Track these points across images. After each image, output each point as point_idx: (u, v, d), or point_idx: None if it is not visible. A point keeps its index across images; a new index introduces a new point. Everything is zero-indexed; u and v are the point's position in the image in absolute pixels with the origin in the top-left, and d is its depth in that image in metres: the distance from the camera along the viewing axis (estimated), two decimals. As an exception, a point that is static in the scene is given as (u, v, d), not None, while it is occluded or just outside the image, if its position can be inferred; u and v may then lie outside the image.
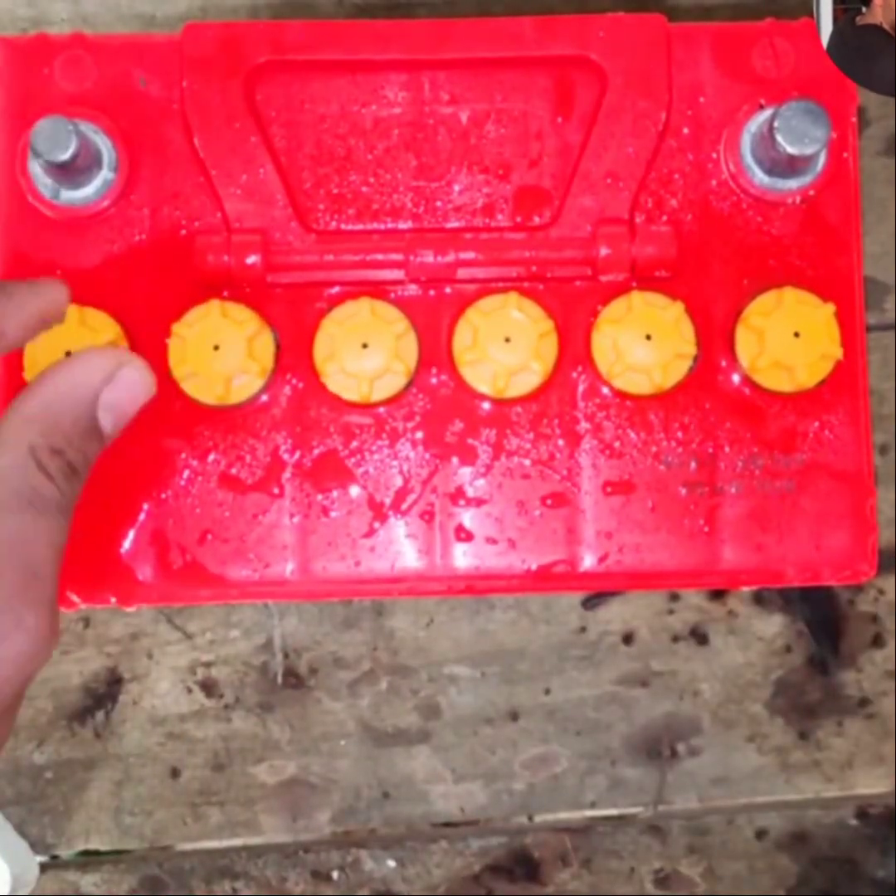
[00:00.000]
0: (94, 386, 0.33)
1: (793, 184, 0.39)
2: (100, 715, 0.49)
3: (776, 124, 0.37)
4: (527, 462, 0.39)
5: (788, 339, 0.38)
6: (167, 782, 0.49)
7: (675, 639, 0.50)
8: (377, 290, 0.39)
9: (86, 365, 0.33)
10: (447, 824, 0.50)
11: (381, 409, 0.39)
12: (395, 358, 0.38)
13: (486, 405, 0.39)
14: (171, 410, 0.39)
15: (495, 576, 0.39)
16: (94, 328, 0.38)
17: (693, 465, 0.39)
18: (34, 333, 0.34)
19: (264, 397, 0.39)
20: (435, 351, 0.39)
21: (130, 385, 0.33)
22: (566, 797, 0.50)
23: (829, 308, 0.38)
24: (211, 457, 0.39)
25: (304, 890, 0.50)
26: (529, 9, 0.40)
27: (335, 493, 0.39)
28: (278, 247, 0.39)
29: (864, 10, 0.39)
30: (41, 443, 0.31)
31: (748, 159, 0.39)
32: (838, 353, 0.38)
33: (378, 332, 0.38)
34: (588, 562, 0.39)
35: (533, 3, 0.47)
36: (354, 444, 0.39)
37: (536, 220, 0.39)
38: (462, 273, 0.39)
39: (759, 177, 0.39)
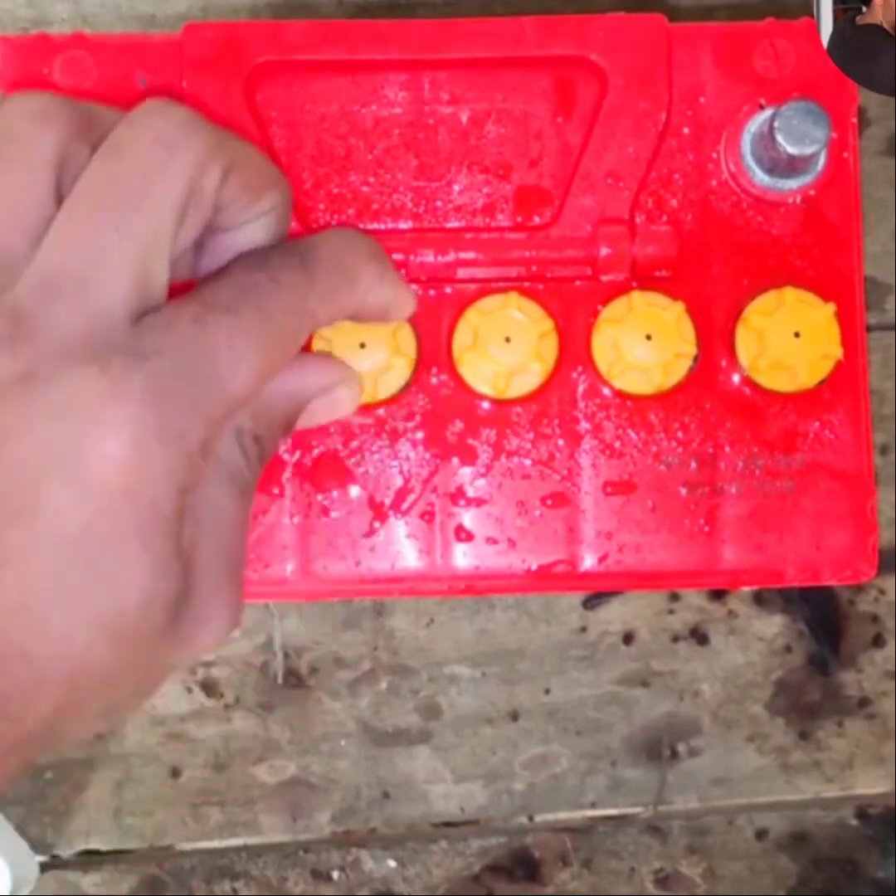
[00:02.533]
0: (313, 393, 0.34)
1: (793, 184, 0.39)
2: (100, 715, 0.49)
3: (776, 124, 0.37)
4: (527, 462, 0.39)
5: (789, 339, 0.38)
6: (167, 782, 0.49)
7: (676, 639, 0.50)
8: (377, 290, 0.39)
9: (317, 372, 0.34)
10: (447, 824, 0.50)
11: (381, 410, 0.39)
12: (395, 357, 0.38)
13: (486, 405, 0.39)
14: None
15: (495, 576, 0.39)
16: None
17: (693, 465, 0.39)
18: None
19: (264, 397, 0.39)
20: (435, 351, 0.39)
21: (339, 404, 0.34)
22: (566, 797, 0.50)
23: (830, 308, 0.38)
24: (211, 457, 0.39)
25: (305, 890, 0.50)
26: (530, 9, 0.40)
27: (335, 493, 0.39)
28: (278, 247, 0.39)
29: (864, 10, 0.39)
30: (248, 427, 0.31)
31: (748, 159, 0.39)
32: (839, 352, 0.38)
33: (377, 331, 0.38)
34: (588, 562, 0.39)
35: (533, 3, 0.47)
36: (354, 444, 0.39)
37: (536, 219, 0.39)
38: (462, 273, 0.39)
39: (760, 177, 0.39)
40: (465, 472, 0.39)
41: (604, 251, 0.38)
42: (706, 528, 0.39)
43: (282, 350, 0.30)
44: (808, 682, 0.50)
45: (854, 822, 0.51)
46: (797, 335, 0.38)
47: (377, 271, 0.34)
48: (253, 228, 0.31)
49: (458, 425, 0.39)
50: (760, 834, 0.51)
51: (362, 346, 0.38)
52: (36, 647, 0.27)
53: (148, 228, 0.28)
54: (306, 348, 0.36)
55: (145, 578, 0.28)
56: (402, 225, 0.39)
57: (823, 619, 0.50)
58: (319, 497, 0.39)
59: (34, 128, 0.29)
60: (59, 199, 0.29)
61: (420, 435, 0.39)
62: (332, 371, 0.35)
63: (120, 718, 0.31)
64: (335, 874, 0.50)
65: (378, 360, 0.38)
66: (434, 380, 0.39)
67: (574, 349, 0.39)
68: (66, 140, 0.29)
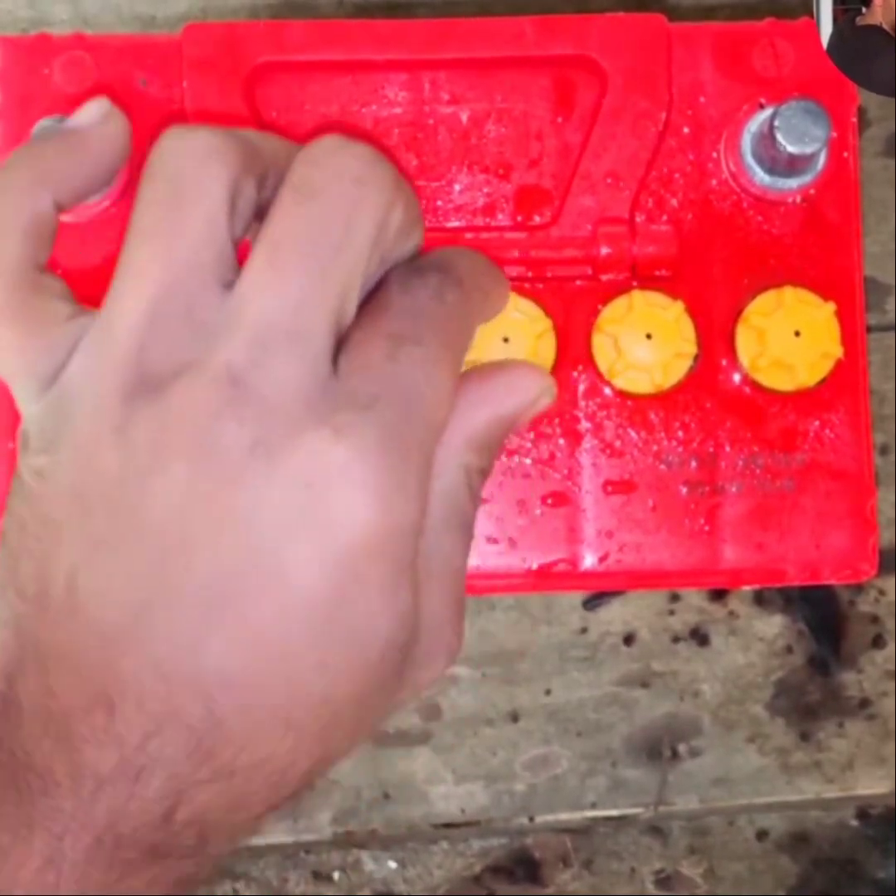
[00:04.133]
0: (524, 409, 0.32)
1: (793, 183, 0.39)
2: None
3: (776, 124, 0.37)
4: (527, 461, 0.39)
5: (789, 339, 0.38)
6: (167, 783, 0.49)
7: (676, 639, 0.50)
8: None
9: (526, 392, 0.32)
10: (448, 825, 0.50)
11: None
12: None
13: (486, 405, 0.39)
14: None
15: (496, 575, 0.39)
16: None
17: (693, 464, 0.39)
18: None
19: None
20: (435, 350, 0.39)
21: (540, 410, 0.33)
22: (567, 798, 0.50)
23: (830, 307, 0.38)
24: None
25: (305, 890, 0.50)
26: (530, 9, 0.40)
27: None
28: (279, 247, 0.39)
29: (864, 10, 0.39)
30: (475, 463, 0.31)
31: (748, 159, 0.39)
32: (839, 352, 0.38)
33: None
34: (588, 561, 0.39)
35: (533, 3, 0.47)
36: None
37: (537, 219, 0.40)
38: (462, 273, 0.39)
39: (760, 176, 0.39)
40: (466, 472, 0.39)
41: (604, 251, 0.38)
42: (706, 528, 0.39)
43: (459, 369, 0.30)
44: (808, 683, 0.50)
45: (854, 822, 0.51)
46: (797, 335, 0.38)
47: (499, 277, 0.33)
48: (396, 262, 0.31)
49: (459, 425, 0.39)
50: (761, 834, 0.51)
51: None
52: (296, 712, 0.27)
53: (347, 271, 0.28)
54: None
55: (388, 630, 0.28)
56: (403, 225, 0.39)
57: (824, 619, 0.50)
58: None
59: (205, 168, 0.28)
60: (233, 234, 0.28)
61: (420, 435, 0.39)
62: (538, 381, 0.33)
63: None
64: (336, 875, 0.50)
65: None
66: (434, 379, 0.39)
67: (574, 349, 0.39)
68: (235, 177, 0.28)
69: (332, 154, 0.29)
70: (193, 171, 0.28)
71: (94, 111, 0.32)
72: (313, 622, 0.27)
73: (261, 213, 0.29)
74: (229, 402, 0.26)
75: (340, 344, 0.28)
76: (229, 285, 0.28)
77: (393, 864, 0.50)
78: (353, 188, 0.28)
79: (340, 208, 0.28)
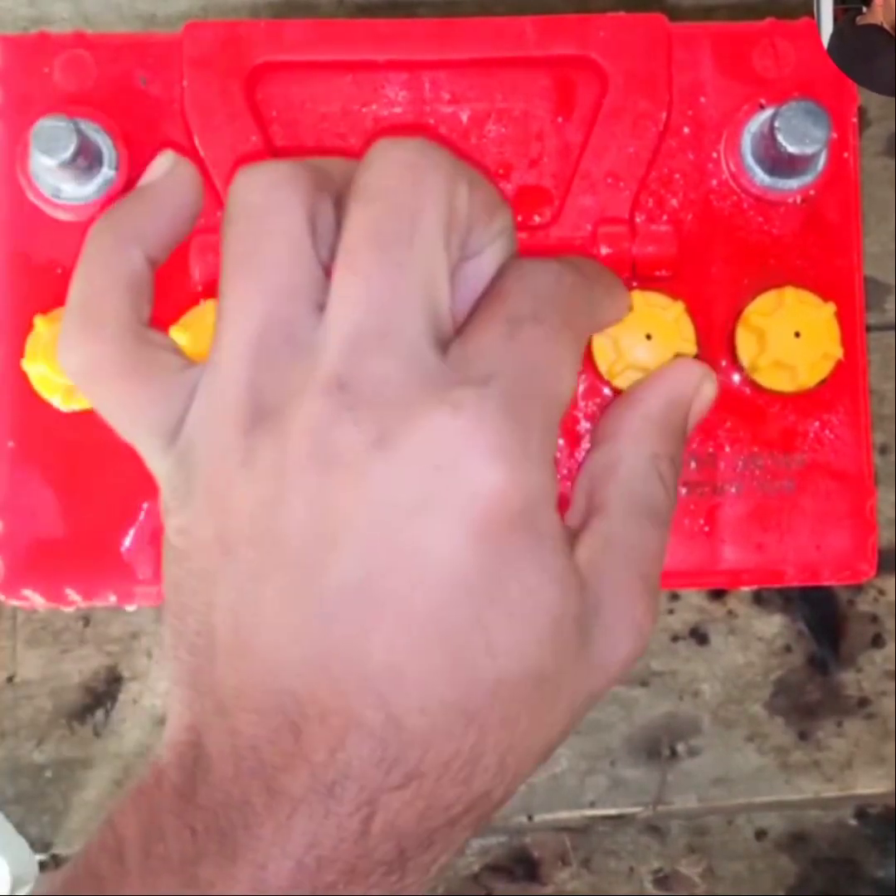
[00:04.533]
0: (691, 397, 0.33)
1: (793, 183, 0.39)
2: (100, 714, 0.49)
3: (776, 124, 0.37)
4: (527, 461, 0.39)
5: (789, 339, 0.38)
6: (167, 781, 0.49)
7: (675, 639, 0.50)
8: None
9: (688, 375, 0.33)
10: (447, 824, 0.50)
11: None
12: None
13: (486, 405, 0.39)
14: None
15: (495, 575, 0.39)
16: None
17: (693, 464, 0.39)
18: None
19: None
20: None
21: (708, 401, 0.34)
22: (566, 797, 0.50)
23: (830, 308, 0.38)
24: (211, 456, 0.39)
25: (304, 889, 0.50)
26: (530, 9, 0.40)
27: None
28: (279, 246, 0.39)
29: (864, 10, 0.39)
30: (662, 452, 0.31)
31: (748, 159, 0.39)
32: (839, 352, 0.38)
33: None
34: (588, 561, 0.39)
35: (533, 2, 0.47)
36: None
37: (537, 219, 0.39)
38: (462, 272, 0.39)
39: (760, 176, 0.39)
40: (465, 472, 0.39)
41: (604, 251, 0.38)
42: (706, 528, 0.39)
43: (583, 349, 0.30)
44: (807, 682, 0.50)
45: (853, 821, 0.51)
46: (797, 335, 0.38)
47: (619, 280, 0.34)
48: (493, 251, 0.31)
49: (458, 425, 0.39)
50: (760, 834, 0.51)
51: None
52: (471, 700, 0.27)
53: (425, 258, 0.28)
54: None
55: (549, 598, 0.27)
56: (403, 224, 0.39)
57: (823, 619, 0.50)
58: (319, 496, 0.39)
59: (278, 196, 0.29)
60: (319, 257, 0.29)
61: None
62: (697, 370, 0.34)
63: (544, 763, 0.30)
64: (335, 873, 0.50)
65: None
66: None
67: (574, 349, 0.39)
68: (310, 200, 0.29)
69: (383, 154, 0.29)
70: (267, 200, 0.29)
71: (162, 165, 0.33)
72: (469, 601, 0.26)
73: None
74: (341, 407, 0.27)
75: (457, 332, 0.29)
76: (323, 306, 0.28)
77: (392, 863, 0.50)
78: (408, 179, 0.28)
79: (401, 201, 0.28)
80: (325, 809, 0.26)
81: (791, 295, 0.38)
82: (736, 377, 0.39)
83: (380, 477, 0.26)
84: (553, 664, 0.28)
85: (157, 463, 0.30)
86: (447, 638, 0.27)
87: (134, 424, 0.30)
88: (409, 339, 0.27)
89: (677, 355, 0.37)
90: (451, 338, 0.29)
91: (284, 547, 0.27)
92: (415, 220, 0.28)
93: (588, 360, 0.39)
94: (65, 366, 0.31)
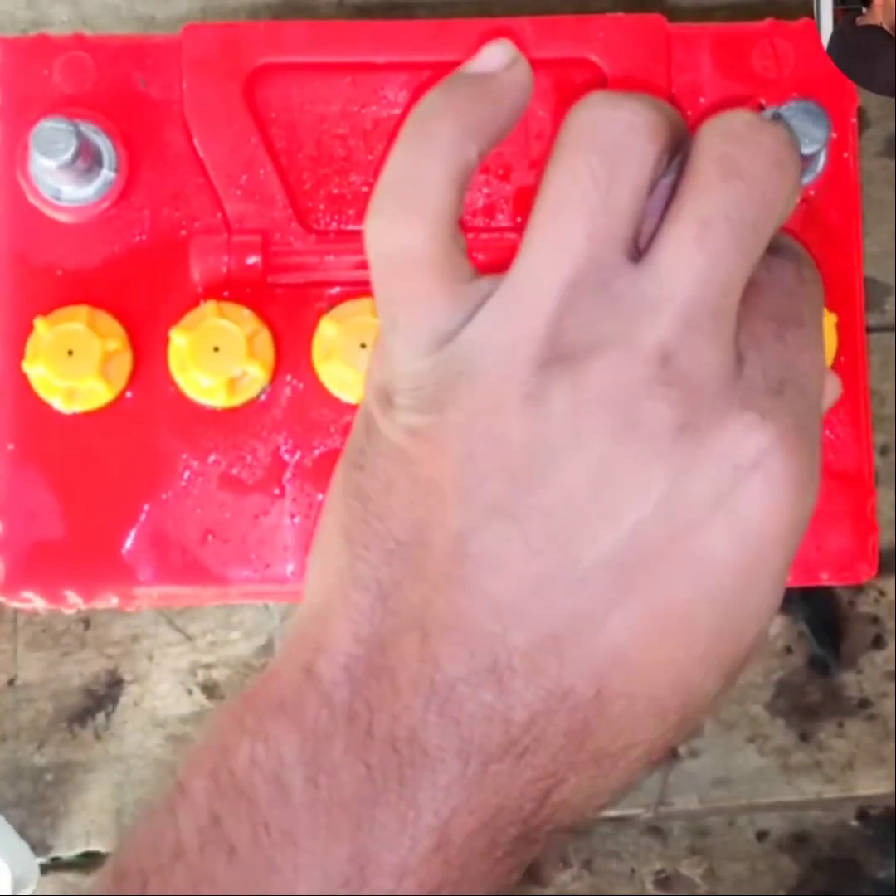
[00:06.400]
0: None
1: (793, 184, 0.39)
2: (100, 717, 0.49)
3: (776, 124, 0.37)
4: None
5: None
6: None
7: (676, 640, 0.50)
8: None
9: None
10: (448, 825, 0.50)
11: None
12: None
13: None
14: (172, 411, 0.39)
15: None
16: (95, 329, 0.38)
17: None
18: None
19: (264, 398, 0.39)
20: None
21: (836, 392, 0.33)
22: (567, 798, 0.50)
23: (831, 318, 0.38)
24: (211, 457, 0.39)
25: (305, 891, 0.50)
26: (529, 9, 0.40)
27: (335, 494, 0.39)
28: (278, 247, 0.39)
29: (864, 10, 0.39)
30: None
31: (748, 159, 0.39)
32: (832, 348, 0.38)
33: (377, 332, 0.38)
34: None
35: (533, 3, 0.47)
36: (355, 444, 0.39)
37: (536, 220, 0.39)
38: (462, 273, 0.39)
39: (760, 177, 0.39)
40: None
41: (604, 251, 0.38)
42: (706, 529, 0.39)
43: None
44: (808, 683, 0.50)
45: (855, 822, 0.51)
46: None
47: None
48: None
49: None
50: (761, 835, 0.51)
51: (363, 346, 0.38)
52: (673, 700, 0.27)
53: (757, 253, 0.27)
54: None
55: (767, 621, 0.27)
56: (402, 225, 0.39)
57: (823, 619, 0.50)
58: (320, 497, 0.39)
59: (640, 145, 0.27)
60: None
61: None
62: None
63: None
64: (336, 875, 0.50)
65: None
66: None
67: (574, 349, 0.39)
68: (663, 155, 0.28)
69: (755, 132, 0.28)
70: (629, 143, 0.27)
71: (500, 55, 0.30)
72: (716, 605, 0.26)
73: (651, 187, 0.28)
74: (659, 382, 0.26)
75: None
76: (635, 259, 0.27)
77: (393, 865, 0.50)
78: (775, 171, 0.28)
79: (766, 191, 0.27)
80: (513, 772, 0.25)
81: (791, 295, 0.38)
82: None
83: (677, 463, 0.26)
84: (734, 679, 0.28)
85: (407, 360, 0.28)
86: (683, 633, 0.26)
87: (410, 318, 0.28)
88: (731, 327, 0.27)
89: None
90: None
91: (550, 498, 0.26)
92: (769, 215, 0.27)
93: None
94: (372, 242, 0.29)
